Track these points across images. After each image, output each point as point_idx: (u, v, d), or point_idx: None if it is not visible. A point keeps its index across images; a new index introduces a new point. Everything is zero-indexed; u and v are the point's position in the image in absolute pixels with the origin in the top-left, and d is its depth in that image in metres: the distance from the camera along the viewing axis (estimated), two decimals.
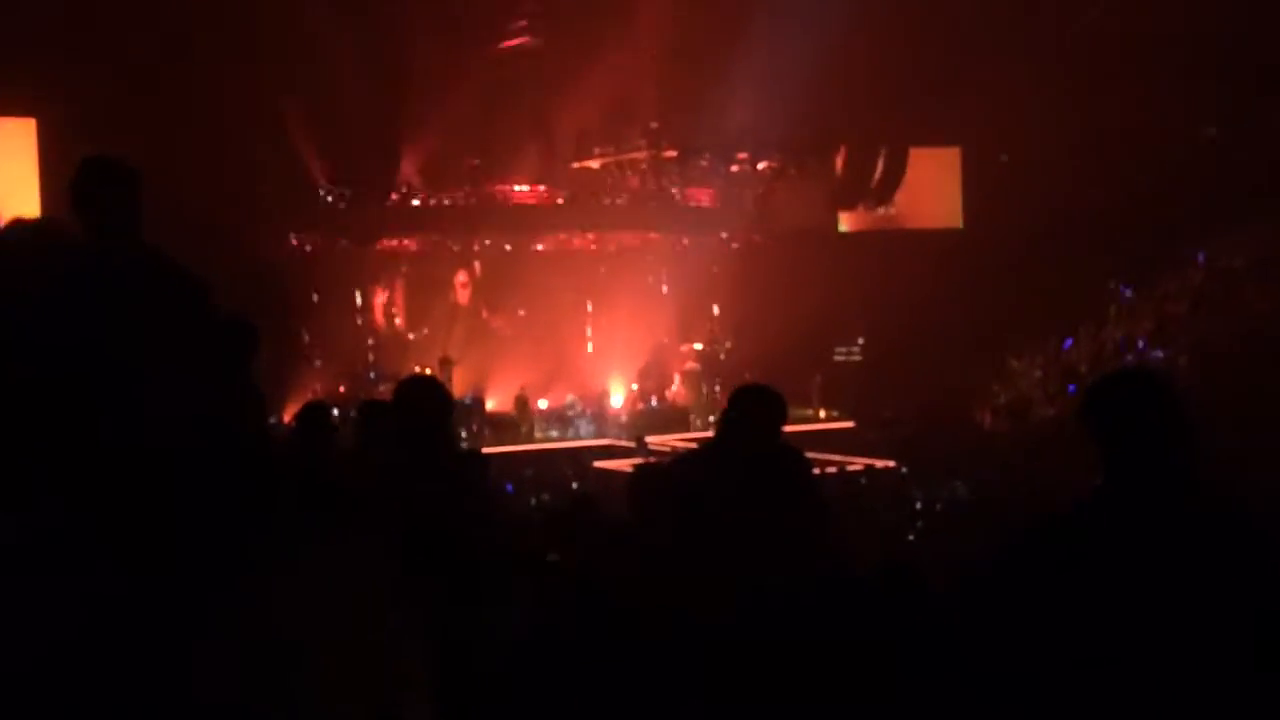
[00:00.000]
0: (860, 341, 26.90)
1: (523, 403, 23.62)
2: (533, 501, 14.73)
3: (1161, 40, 24.16)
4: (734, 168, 26.77)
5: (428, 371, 21.53)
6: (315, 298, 24.46)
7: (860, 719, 4.20)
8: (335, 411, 8.57)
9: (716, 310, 27.53)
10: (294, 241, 24.53)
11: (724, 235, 27.52)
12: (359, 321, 25.46)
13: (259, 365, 5.29)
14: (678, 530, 4.55)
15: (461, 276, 26.32)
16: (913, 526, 12.36)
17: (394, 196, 25.06)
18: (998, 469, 16.96)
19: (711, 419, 24.21)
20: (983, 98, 24.88)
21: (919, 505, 14.47)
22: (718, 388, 24.23)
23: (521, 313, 26.20)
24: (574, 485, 16.77)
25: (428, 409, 4.56)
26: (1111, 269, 24.86)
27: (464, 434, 21.36)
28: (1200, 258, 24.75)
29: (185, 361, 3.10)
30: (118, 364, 2.07)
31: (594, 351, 26.20)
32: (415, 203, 25.02)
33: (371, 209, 24.62)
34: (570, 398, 24.03)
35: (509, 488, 15.28)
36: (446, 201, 25.27)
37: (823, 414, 24.80)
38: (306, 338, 23.78)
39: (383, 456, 4.74)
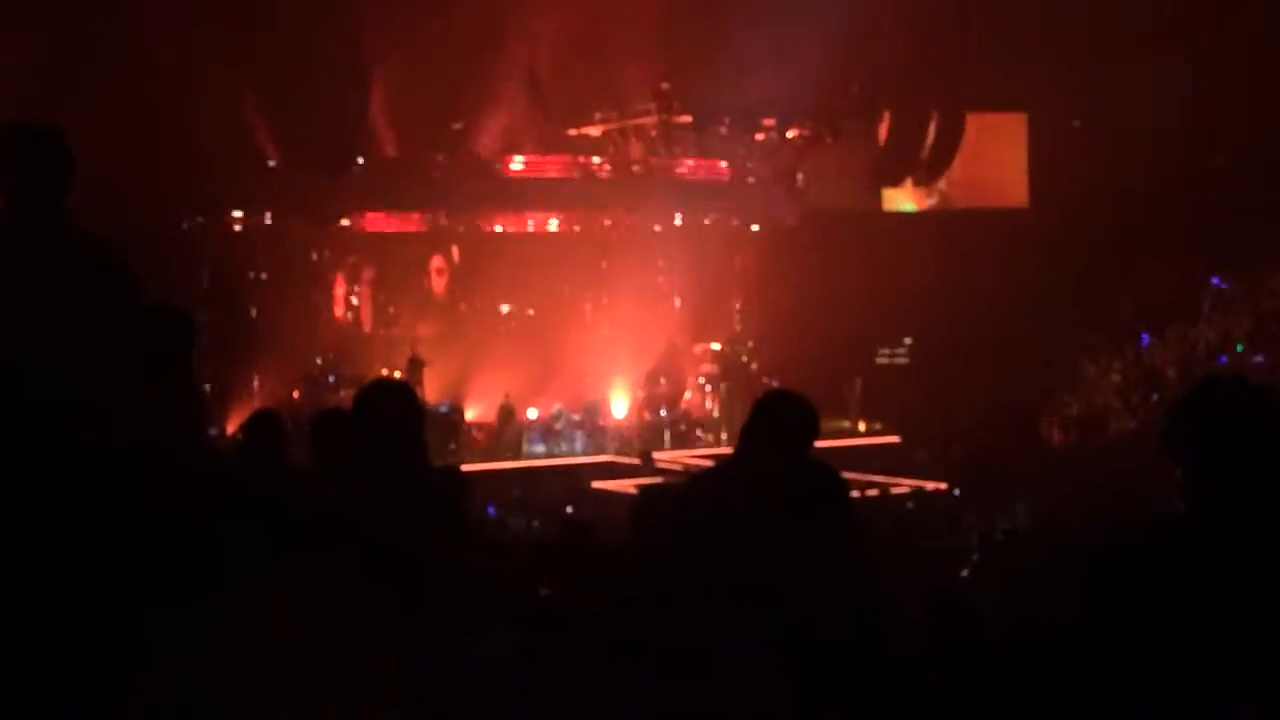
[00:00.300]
0: (907, 341, 26.91)
1: (508, 412, 23.69)
2: (521, 527, 14.81)
3: None
4: (759, 136, 26.78)
5: (396, 375, 21.61)
6: (264, 287, 24.50)
7: None
8: (289, 421, 8.58)
9: (738, 305, 27.56)
10: (239, 220, 24.58)
11: (747, 217, 27.55)
12: (316, 315, 25.50)
13: (198, 364, 5.33)
14: (689, 563, 4.57)
15: (437, 262, 26.35)
16: (967, 559, 12.40)
17: (359, 165, 25.10)
18: (1068, 492, 16.98)
19: (727, 432, 24.19)
20: (1052, 54, 24.89)
21: (975, 534, 14.53)
22: (738, 395, 24.25)
23: (506, 308, 26.23)
24: (568, 509, 16.85)
25: (395, 419, 4.58)
26: (1203, 258, 24.87)
27: (438, 448, 21.40)
28: None
29: (105, 353, 3.15)
30: (25, 351, 2.12)
31: (593, 353, 26.22)
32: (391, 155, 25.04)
33: (330, 181, 24.65)
34: (557, 407, 24.06)
35: (491, 511, 15.35)
36: (420, 173, 25.32)
37: (863, 426, 24.80)
38: (254, 334, 23.80)
39: (342, 475, 4.77)
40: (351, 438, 4.79)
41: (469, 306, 26.26)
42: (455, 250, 26.47)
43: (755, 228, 27.69)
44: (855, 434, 24.23)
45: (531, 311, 26.27)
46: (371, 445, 4.55)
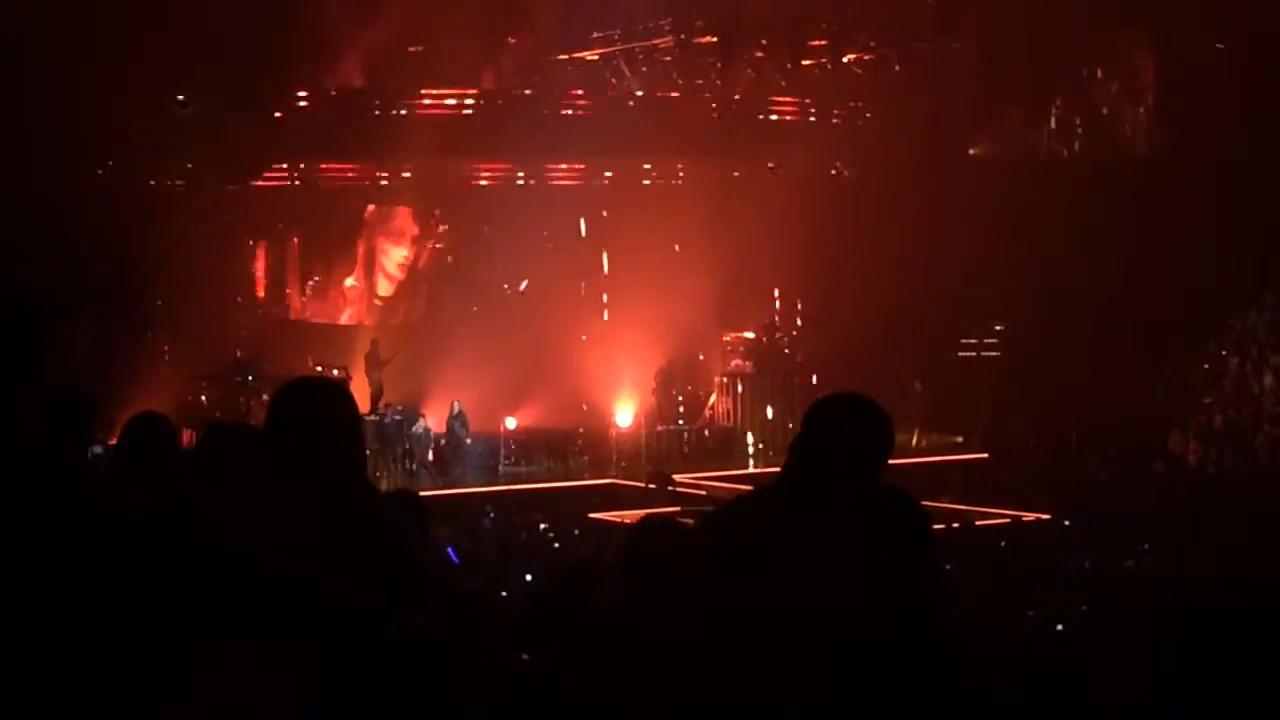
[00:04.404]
0: (998, 329, 26.89)
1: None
2: (494, 570, 14.81)
3: None
4: (805, 61, 26.77)
5: (335, 374, 21.64)
6: (164, 260, 24.53)
7: None
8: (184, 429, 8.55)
9: (778, 281, 27.57)
10: (131, 177, 24.59)
11: (790, 166, 27.56)
12: (231, 297, 25.57)
13: (73, 362, 5.34)
14: (713, 624, 4.55)
15: (391, 224, 26.50)
16: (1075, 609, 12.36)
17: (292, 102, 25.17)
18: (1203, 526, 16.99)
19: (763, 446, 24.25)
20: None
21: (1085, 574, 14.55)
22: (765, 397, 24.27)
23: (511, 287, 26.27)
24: (555, 546, 16.87)
25: (316, 429, 4.54)
26: None
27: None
28: None
29: None
30: None
31: (590, 342, 26.26)
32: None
33: (252, 126, 24.69)
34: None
35: (451, 554, 15.33)
36: (366, 114, 25.40)
37: (938, 439, 24.83)
38: (150, 321, 23.87)
39: (250, 503, 4.74)
40: (257, 456, 4.76)
41: (443, 288, 26.38)
42: (406, 212, 26.60)
43: (806, 181, 27.68)
44: (927, 449, 24.25)
45: (524, 286, 26.38)
46: (288, 465, 4.50)
